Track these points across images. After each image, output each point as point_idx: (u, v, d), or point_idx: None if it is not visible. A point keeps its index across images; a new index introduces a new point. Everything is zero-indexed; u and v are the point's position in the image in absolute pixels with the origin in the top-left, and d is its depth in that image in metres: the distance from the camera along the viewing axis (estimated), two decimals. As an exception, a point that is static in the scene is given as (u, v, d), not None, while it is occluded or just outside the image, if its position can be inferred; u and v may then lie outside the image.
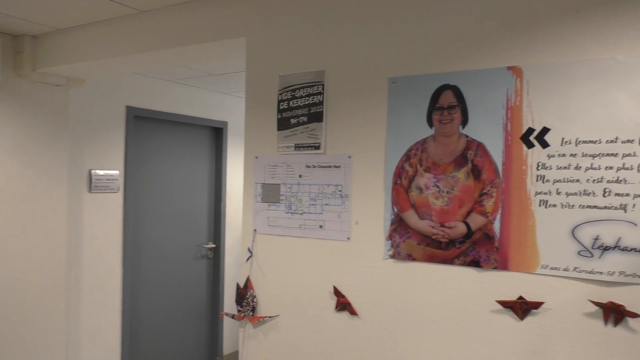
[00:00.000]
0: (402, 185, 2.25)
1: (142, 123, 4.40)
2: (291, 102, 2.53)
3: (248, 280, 2.66)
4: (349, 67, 2.39)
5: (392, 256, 2.28)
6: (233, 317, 2.68)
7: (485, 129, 2.08)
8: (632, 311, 1.83)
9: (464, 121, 2.12)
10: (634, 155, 1.83)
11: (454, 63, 2.15)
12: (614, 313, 1.86)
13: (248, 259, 2.67)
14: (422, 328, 2.22)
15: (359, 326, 2.36)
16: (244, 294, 2.63)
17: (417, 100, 2.22)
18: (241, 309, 2.64)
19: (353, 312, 2.37)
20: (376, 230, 2.32)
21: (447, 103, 2.15)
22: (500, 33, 2.06)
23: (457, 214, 2.13)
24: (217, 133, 5.04)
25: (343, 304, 2.39)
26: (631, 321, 1.84)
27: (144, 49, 3.08)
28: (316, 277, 2.47)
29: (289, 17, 2.56)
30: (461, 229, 2.12)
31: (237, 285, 2.64)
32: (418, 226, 2.21)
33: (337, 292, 2.41)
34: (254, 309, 2.63)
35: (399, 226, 2.26)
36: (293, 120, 2.52)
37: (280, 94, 2.56)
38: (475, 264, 2.09)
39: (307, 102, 2.48)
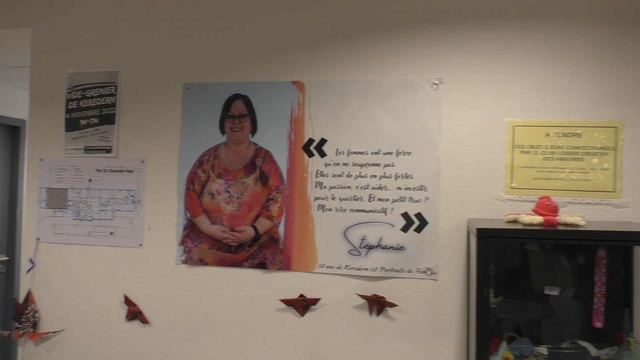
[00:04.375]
0: (194, 191, 2.27)
1: None
2: (81, 102, 2.39)
3: (29, 294, 2.42)
4: (143, 70, 2.34)
5: (185, 261, 2.28)
6: (9, 335, 2.41)
7: (272, 138, 2.21)
8: (390, 302, 2.09)
9: (254, 130, 2.23)
10: (393, 166, 2.10)
11: (245, 74, 2.25)
12: (376, 304, 2.11)
13: (29, 271, 2.44)
14: (213, 331, 2.25)
15: (151, 335, 2.31)
16: (23, 310, 2.39)
17: (210, 107, 2.26)
18: (20, 326, 2.39)
19: (145, 321, 2.31)
20: (169, 236, 2.30)
21: (238, 112, 2.24)
22: (286, 49, 2.21)
23: (247, 218, 2.22)
24: (13, 132, 4.50)
25: (134, 313, 2.32)
26: (390, 310, 2.10)
27: None
28: (106, 287, 2.36)
29: (80, 12, 2.42)
30: (250, 232, 2.21)
31: (15, 300, 2.39)
32: (210, 231, 2.25)
33: (128, 301, 2.33)
34: (35, 325, 2.40)
35: (191, 231, 2.27)
36: (83, 122, 2.38)
37: (70, 92, 2.40)
38: (262, 265, 2.20)
39: (98, 103, 2.36)
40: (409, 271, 2.08)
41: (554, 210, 1.74)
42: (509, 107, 2.02)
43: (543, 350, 1.87)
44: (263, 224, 2.20)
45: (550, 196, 1.81)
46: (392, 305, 2.09)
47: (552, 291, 1.90)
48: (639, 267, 1.88)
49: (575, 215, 1.72)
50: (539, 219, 1.71)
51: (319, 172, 2.17)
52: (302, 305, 2.17)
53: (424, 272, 2.07)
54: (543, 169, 1.99)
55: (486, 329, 1.59)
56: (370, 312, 2.12)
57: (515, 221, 1.80)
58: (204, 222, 2.25)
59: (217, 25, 2.28)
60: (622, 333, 1.80)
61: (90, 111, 2.37)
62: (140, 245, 2.33)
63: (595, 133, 1.95)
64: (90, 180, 2.38)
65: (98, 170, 2.37)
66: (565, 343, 1.88)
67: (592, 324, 1.86)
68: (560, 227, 1.68)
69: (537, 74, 2.00)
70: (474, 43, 2.06)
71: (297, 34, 2.21)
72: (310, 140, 2.17)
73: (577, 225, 1.67)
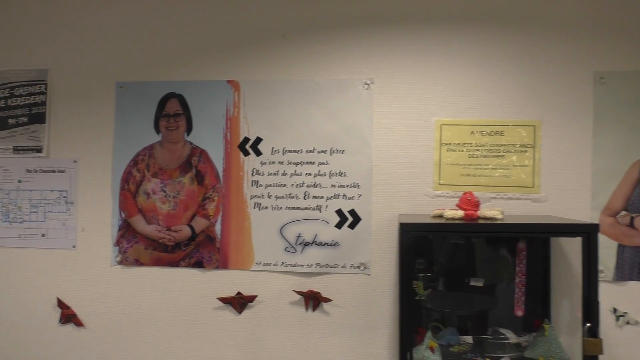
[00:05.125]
0: (129, 191, 2.24)
1: None
2: (9, 101, 2.31)
3: (-44, 299, 2.33)
4: (75, 68, 2.30)
5: (120, 262, 2.25)
6: None
7: (208, 137, 2.21)
8: (326, 297, 2.14)
9: (189, 129, 2.22)
10: (327, 164, 2.15)
11: (180, 72, 2.24)
12: (312, 300, 2.15)
13: (-45, 276, 2.35)
14: (149, 332, 2.24)
15: (86, 337, 2.27)
16: (-52, 316, 2.30)
17: (144, 106, 2.24)
18: (-55, 334, 2.30)
19: (79, 324, 2.27)
20: (103, 236, 2.26)
21: (173, 110, 2.23)
22: (221, 48, 2.22)
23: (183, 217, 2.21)
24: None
25: (68, 316, 2.27)
26: (326, 305, 2.15)
27: None
28: (38, 290, 2.30)
29: (8, 6, 2.34)
30: (186, 232, 2.21)
31: (-60, 306, 2.30)
32: (145, 231, 2.23)
33: (61, 304, 2.28)
34: (-38, 332, 2.32)
35: (126, 232, 2.25)
36: (11, 121, 2.31)
37: (-3, 91, 2.33)
38: (199, 264, 2.20)
39: (27, 102, 2.30)
40: (343, 267, 2.13)
41: (476, 205, 1.83)
42: (436, 107, 2.10)
43: (468, 339, 1.96)
44: (199, 223, 2.20)
45: (472, 192, 1.90)
46: (327, 300, 2.14)
47: (477, 282, 2.00)
48: (556, 257, 2.00)
49: (494, 209, 1.81)
50: (460, 213, 1.79)
51: (254, 170, 2.18)
52: (239, 302, 2.18)
53: (358, 267, 2.13)
54: (468, 166, 2.08)
55: (410, 320, 1.66)
56: (307, 308, 2.16)
57: (440, 216, 1.87)
58: (139, 222, 2.23)
59: (150, 23, 2.26)
60: (539, 320, 1.91)
61: (19, 110, 2.31)
62: (74, 246, 2.28)
63: (516, 131, 2.05)
64: (20, 181, 2.31)
65: (28, 171, 2.30)
66: (489, 331, 1.97)
67: (514, 312, 1.96)
68: (481, 221, 1.76)
69: (461, 75, 2.09)
70: (403, 45, 2.13)
71: (231, 33, 2.22)
72: (246, 139, 2.19)
73: (495, 219, 1.76)
